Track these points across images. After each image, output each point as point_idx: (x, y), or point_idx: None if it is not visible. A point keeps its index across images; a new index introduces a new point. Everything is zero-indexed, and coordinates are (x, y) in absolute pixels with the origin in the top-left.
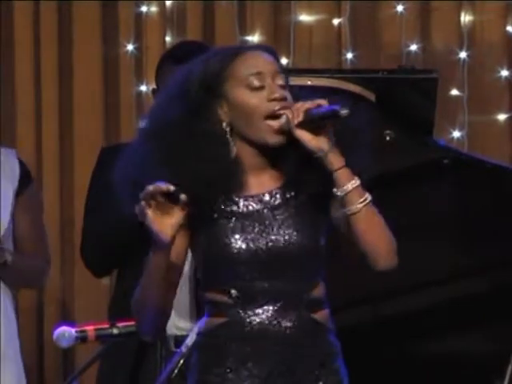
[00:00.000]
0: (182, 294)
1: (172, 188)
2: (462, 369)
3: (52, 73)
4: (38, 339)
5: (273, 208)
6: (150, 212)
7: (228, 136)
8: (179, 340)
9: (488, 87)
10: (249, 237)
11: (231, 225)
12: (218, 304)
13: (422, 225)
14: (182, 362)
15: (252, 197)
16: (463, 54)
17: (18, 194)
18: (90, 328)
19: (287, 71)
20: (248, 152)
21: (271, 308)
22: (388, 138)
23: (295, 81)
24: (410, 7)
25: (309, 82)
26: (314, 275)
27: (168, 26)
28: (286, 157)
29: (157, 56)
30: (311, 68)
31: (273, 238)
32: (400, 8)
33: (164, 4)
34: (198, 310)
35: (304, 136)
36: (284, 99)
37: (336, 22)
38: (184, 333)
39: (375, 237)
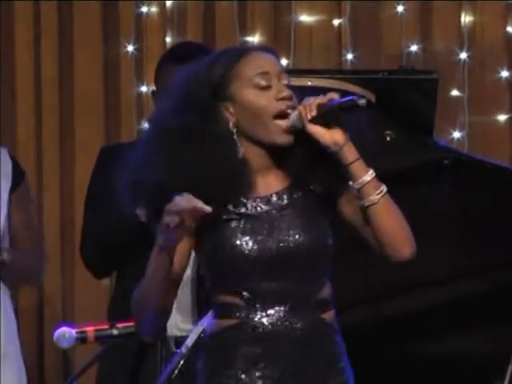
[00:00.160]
0: (184, 295)
1: (209, 209)
2: (462, 369)
3: (52, 73)
4: (38, 339)
5: (281, 209)
6: (176, 223)
7: (235, 137)
8: (179, 341)
9: (488, 88)
10: (258, 238)
11: (240, 226)
12: (228, 306)
13: (422, 225)
14: (181, 362)
15: (260, 198)
16: (463, 55)
17: (12, 191)
18: (89, 329)
19: (287, 72)
20: (255, 152)
21: (282, 309)
22: (388, 139)
23: (295, 81)
24: (410, 8)
25: (309, 83)
26: (322, 275)
27: (168, 26)
28: (291, 157)
29: (157, 56)
30: (311, 68)
31: (282, 238)
32: (400, 8)
33: (164, 4)
34: (199, 310)
35: (318, 131)
36: (291, 98)
37: (336, 22)
38: (184, 334)
39: (394, 227)
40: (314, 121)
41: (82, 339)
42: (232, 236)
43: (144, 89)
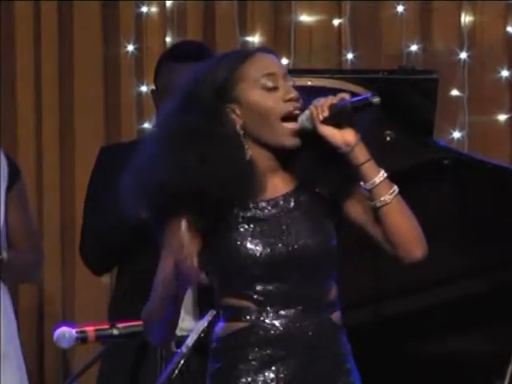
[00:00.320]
0: (185, 295)
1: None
2: (462, 369)
3: (52, 73)
4: (37, 339)
5: (288, 212)
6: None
7: (242, 139)
8: (180, 340)
9: (488, 88)
10: (268, 241)
11: (249, 230)
12: (238, 309)
13: (422, 225)
14: (182, 362)
15: (267, 201)
16: (463, 55)
17: (8, 190)
18: (90, 329)
19: (287, 72)
20: (261, 154)
21: (293, 311)
22: (388, 139)
23: (295, 81)
24: (410, 8)
25: (309, 83)
26: (330, 277)
27: (168, 26)
28: (298, 159)
29: (157, 56)
30: (311, 68)
31: (292, 242)
32: (400, 8)
33: (164, 4)
34: (200, 310)
35: (330, 131)
36: (298, 100)
37: (336, 22)
38: (185, 333)
39: (406, 227)
40: (325, 121)
41: (82, 339)
42: (242, 240)
43: (144, 89)
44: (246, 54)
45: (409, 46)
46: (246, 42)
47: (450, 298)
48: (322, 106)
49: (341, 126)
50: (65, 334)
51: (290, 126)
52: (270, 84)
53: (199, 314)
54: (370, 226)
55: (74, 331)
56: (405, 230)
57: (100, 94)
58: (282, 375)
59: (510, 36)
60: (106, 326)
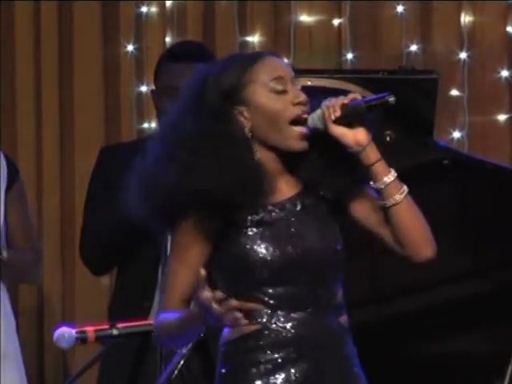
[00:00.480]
0: None
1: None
2: (462, 369)
3: (52, 73)
4: (38, 339)
5: (295, 215)
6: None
7: (251, 141)
8: None
9: (488, 88)
10: (278, 245)
11: (259, 234)
12: (249, 312)
13: None
14: (181, 362)
15: (275, 204)
16: (463, 55)
17: (7, 190)
18: (89, 329)
19: None
20: (268, 157)
21: (303, 314)
22: (388, 139)
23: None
24: (410, 8)
25: (309, 83)
26: (337, 279)
27: (168, 26)
28: (303, 162)
29: (157, 56)
30: (311, 68)
31: (301, 245)
32: (400, 8)
33: (164, 4)
34: None
35: (341, 131)
36: (307, 103)
37: (336, 22)
38: None
39: (416, 227)
40: (337, 121)
41: (82, 339)
42: (251, 243)
43: (144, 88)
44: (255, 56)
45: (409, 46)
46: (246, 42)
47: (449, 297)
48: (334, 106)
49: (352, 125)
50: (64, 334)
51: (299, 129)
52: (279, 87)
53: None
54: (377, 226)
55: (73, 331)
56: (415, 230)
57: (100, 94)
58: (293, 378)
59: (510, 36)
60: (106, 327)
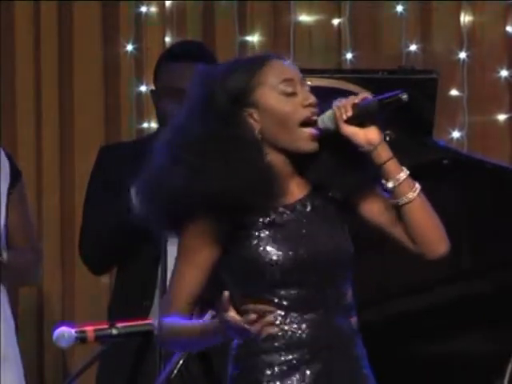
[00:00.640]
0: None
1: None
2: (462, 369)
3: (52, 73)
4: (37, 339)
5: (306, 216)
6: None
7: (261, 144)
8: None
9: (488, 87)
10: (289, 247)
11: (271, 236)
12: (263, 315)
13: None
14: (181, 362)
15: (285, 206)
16: (463, 55)
17: (10, 190)
18: (89, 328)
19: None
20: (278, 159)
21: (315, 315)
22: (388, 139)
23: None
24: (409, 8)
25: (308, 83)
26: (348, 280)
27: (168, 26)
28: (312, 164)
29: (157, 56)
30: (311, 68)
31: (312, 246)
32: (400, 8)
33: (164, 4)
34: (200, 310)
35: (353, 131)
36: (316, 105)
37: (336, 22)
38: None
39: (429, 224)
40: (348, 121)
41: (81, 339)
42: (263, 245)
43: (143, 88)
44: (263, 59)
45: (408, 46)
46: (246, 42)
47: (450, 297)
48: (345, 106)
49: (363, 125)
50: (64, 333)
51: (309, 130)
52: (289, 89)
53: (198, 314)
54: (388, 225)
55: (73, 331)
56: (428, 227)
57: (99, 94)
58: (307, 380)
59: (510, 36)
60: (106, 326)
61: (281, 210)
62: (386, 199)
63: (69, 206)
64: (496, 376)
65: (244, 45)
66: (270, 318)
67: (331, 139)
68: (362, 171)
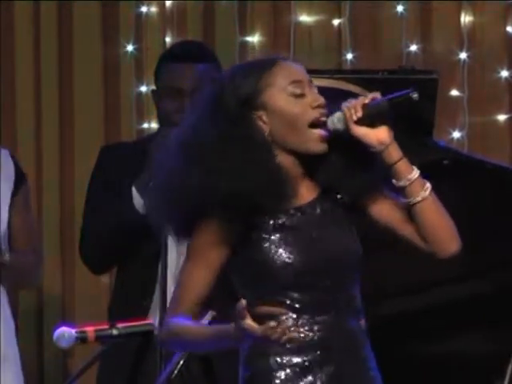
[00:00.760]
0: None
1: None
2: (462, 369)
3: (52, 73)
4: (37, 339)
5: (316, 219)
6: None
7: (272, 145)
8: None
9: (488, 88)
10: (300, 249)
11: (282, 238)
12: (273, 316)
13: None
14: (181, 362)
15: (296, 208)
16: (463, 55)
17: (14, 193)
18: (89, 329)
19: None
20: (288, 161)
21: (327, 317)
22: None
23: None
24: (410, 8)
25: None
26: (355, 282)
27: (168, 26)
28: (321, 166)
29: (157, 56)
30: (311, 68)
31: (322, 248)
32: (400, 8)
33: (164, 4)
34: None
35: (363, 132)
36: (325, 106)
37: (336, 22)
38: None
39: (441, 223)
40: (359, 122)
41: (81, 339)
42: (275, 248)
43: (144, 88)
44: (271, 61)
45: (408, 46)
46: (246, 42)
47: (449, 297)
48: (355, 107)
49: (374, 125)
50: (64, 334)
51: (319, 131)
52: (298, 91)
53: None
54: (398, 224)
55: (73, 331)
56: (440, 226)
57: (99, 94)
58: (320, 381)
59: (510, 36)
60: (106, 326)
61: (291, 212)
62: (393, 199)
63: (69, 206)
64: (496, 376)
65: (244, 45)
66: (288, 322)
67: (339, 141)
68: (371, 172)
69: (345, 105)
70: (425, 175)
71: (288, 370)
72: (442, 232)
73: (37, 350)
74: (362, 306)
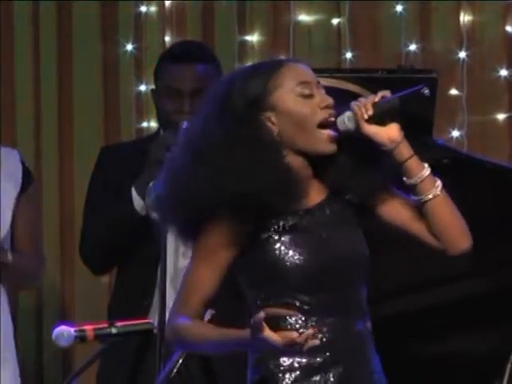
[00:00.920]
0: None
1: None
2: (462, 369)
3: (51, 72)
4: (37, 338)
5: (325, 221)
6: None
7: (281, 146)
8: None
9: (487, 87)
10: (310, 251)
11: (291, 240)
12: (282, 318)
13: None
14: (180, 361)
15: (306, 210)
16: (462, 54)
17: (20, 194)
18: (88, 327)
19: None
20: (297, 162)
21: (336, 319)
22: None
23: None
24: (409, 7)
25: None
26: (363, 284)
27: (167, 25)
28: (328, 168)
29: (156, 56)
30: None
31: (332, 250)
32: (399, 8)
33: (163, 4)
34: None
35: (375, 130)
36: (333, 107)
37: (335, 21)
38: None
39: (453, 219)
40: (369, 120)
41: (80, 338)
42: (285, 249)
43: (143, 88)
44: (279, 62)
45: (408, 46)
46: (245, 42)
47: (450, 297)
48: (365, 105)
49: (384, 123)
50: (63, 332)
51: (328, 132)
52: (306, 91)
53: None
54: (408, 223)
55: (72, 330)
56: (452, 223)
57: (99, 94)
58: (328, 383)
59: (509, 35)
60: (105, 325)
61: (301, 213)
62: (402, 198)
63: (68, 206)
64: (495, 376)
65: (243, 44)
66: (310, 330)
67: (347, 142)
68: (379, 172)
69: (355, 104)
70: None
71: (298, 372)
72: (453, 229)
73: (36, 349)
74: (367, 308)
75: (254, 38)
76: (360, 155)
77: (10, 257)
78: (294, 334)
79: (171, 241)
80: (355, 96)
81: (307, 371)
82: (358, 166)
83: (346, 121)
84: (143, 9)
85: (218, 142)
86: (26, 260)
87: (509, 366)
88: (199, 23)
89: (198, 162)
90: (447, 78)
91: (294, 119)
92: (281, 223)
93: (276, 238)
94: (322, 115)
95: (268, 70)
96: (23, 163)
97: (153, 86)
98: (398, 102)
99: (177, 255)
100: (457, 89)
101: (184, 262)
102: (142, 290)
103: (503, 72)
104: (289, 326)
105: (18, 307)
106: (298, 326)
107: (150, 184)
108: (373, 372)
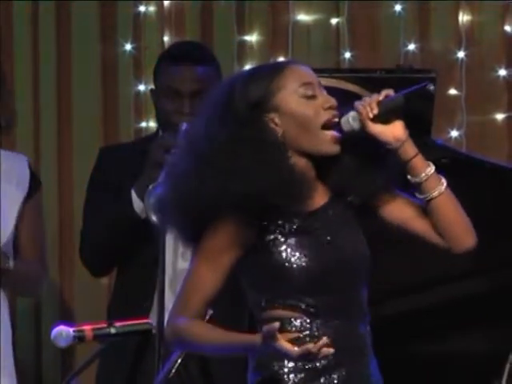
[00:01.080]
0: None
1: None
2: (461, 369)
3: (50, 72)
4: (36, 338)
5: (329, 223)
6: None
7: (285, 146)
8: None
9: (486, 87)
10: (314, 253)
11: (297, 242)
12: (286, 320)
13: None
14: (179, 361)
15: (310, 212)
16: (461, 54)
17: (26, 200)
18: (87, 328)
19: None
20: (301, 163)
21: (340, 322)
22: None
23: None
24: (408, 7)
25: None
26: (364, 286)
27: (166, 25)
28: (330, 170)
29: (155, 56)
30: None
31: (336, 252)
32: (398, 8)
33: (162, 4)
34: None
35: (380, 129)
36: (336, 108)
37: (334, 21)
38: None
39: (458, 217)
40: (374, 119)
41: (79, 338)
42: (290, 252)
43: (142, 88)
44: (281, 64)
45: (406, 45)
46: (244, 42)
47: (449, 297)
48: (370, 104)
49: (389, 122)
50: (62, 332)
51: (331, 133)
52: (309, 92)
53: None
54: (411, 222)
55: (71, 330)
56: (457, 221)
57: (98, 93)
58: None
59: (508, 35)
60: (104, 325)
61: (306, 215)
62: (404, 197)
63: (67, 206)
64: (495, 376)
65: (242, 44)
66: (324, 339)
67: (350, 142)
68: (384, 172)
69: (359, 103)
70: None
71: (302, 374)
72: (458, 227)
73: (35, 349)
74: (367, 310)
75: (252, 37)
76: (364, 155)
77: (11, 263)
78: (310, 345)
79: (170, 242)
80: (355, 96)
81: (312, 373)
82: (363, 166)
83: (350, 121)
84: (142, 9)
85: (221, 144)
86: (27, 268)
87: (508, 365)
88: (198, 23)
89: (202, 164)
90: (446, 77)
91: (297, 120)
92: (286, 225)
93: (282, 240)
94: (325, 116)
95: (270, 71)
96: (31, 168)
97: (152, 86)
98: (403, 100)
99: (176, 256)
100: (456, 89)
101: (183, 264)
102: (141, 291)
103: (502, 72)
104: (293, 329)
105: (17, 307)
106: (302, 328)
107: (150, 186)
108: (370, 375)
